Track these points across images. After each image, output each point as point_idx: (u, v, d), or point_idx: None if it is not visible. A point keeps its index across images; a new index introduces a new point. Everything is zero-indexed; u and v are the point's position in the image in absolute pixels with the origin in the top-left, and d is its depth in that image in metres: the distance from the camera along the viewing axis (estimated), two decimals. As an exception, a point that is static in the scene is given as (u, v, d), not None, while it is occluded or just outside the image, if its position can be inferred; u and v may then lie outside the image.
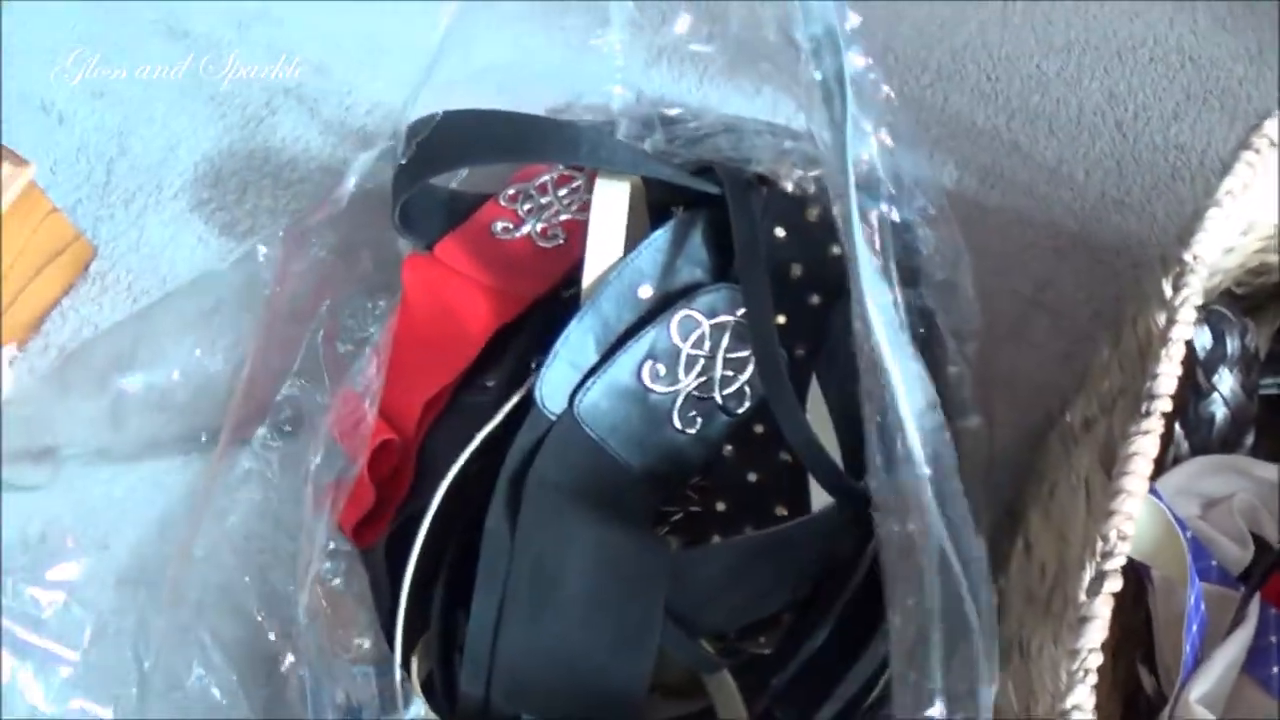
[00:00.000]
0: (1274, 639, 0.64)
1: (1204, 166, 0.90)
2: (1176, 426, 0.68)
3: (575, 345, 0.68)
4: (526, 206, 0.79)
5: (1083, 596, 0.48)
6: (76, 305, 0.91)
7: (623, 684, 0.63)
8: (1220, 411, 0.68)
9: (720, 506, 0.72)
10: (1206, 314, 0.67)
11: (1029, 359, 0.83)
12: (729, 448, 0.72)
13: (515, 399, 0.68)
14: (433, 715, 0.63)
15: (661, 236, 0.70)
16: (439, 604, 0.67)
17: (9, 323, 0.87)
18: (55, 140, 0.96)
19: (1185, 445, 0.68)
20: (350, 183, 0.80)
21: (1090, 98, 0.91)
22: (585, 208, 0.77)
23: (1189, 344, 0.65)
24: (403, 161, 0.75)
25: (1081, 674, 0.47)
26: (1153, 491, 0.62)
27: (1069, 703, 0.46)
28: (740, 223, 0.68)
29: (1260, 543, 0.66)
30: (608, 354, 0.68)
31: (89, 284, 0.92)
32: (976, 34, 0.94)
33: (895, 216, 0.64)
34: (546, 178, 0.81)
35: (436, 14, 0.76)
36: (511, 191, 0.80)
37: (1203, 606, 0.63)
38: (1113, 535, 0.49)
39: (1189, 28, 0.93)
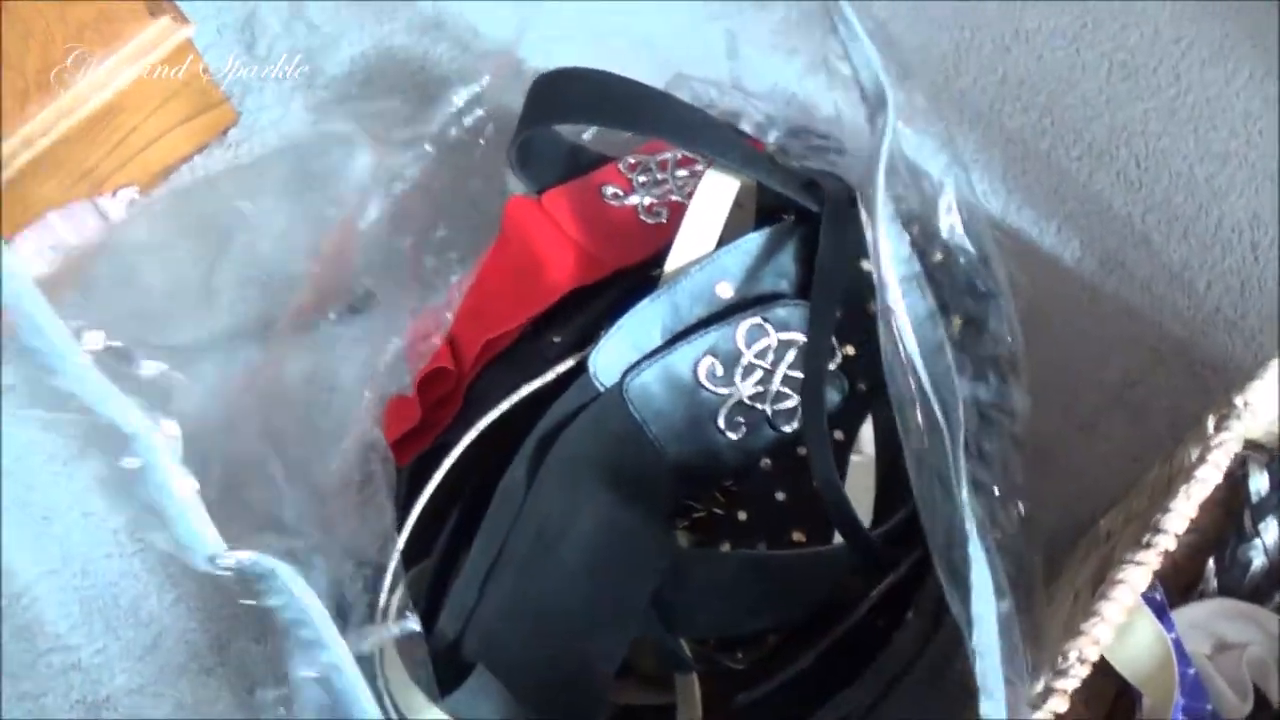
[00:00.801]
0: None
1: (1322, 306, 0.88)
2: (1210, 563, 0.67)
3: (641, 324, 0.69)
4: (642, 178, 0.80)
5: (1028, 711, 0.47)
6: (208, 165, 0.94)
7: (595, 659, 0.64)
8: (1259, 559, 0.66)
9: (741, 516, 0.73)
10: (1270, 459, 0.66)
11: (1098, 454, 0.82)
12: (767, 461, 0.72)
13: (571, 362, 0.69)
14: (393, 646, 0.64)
15: (755, 240, 0.70)
16: (445, 538, 0.69)
17: (139, 167, 0.90)
18: (228, 7, 0.99)
19: (1214, 583, 0.67)
20: (455, 101, 0.81)
21: (1233, 213, 0.89)
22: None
23: (1244, 485, 0.64)
24: (524, 104, 0.76)
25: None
26: (1166, 619, 0.62)
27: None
28: (828, 245, 0.68)
29: (1261, 699, 0.65)
30: (670, 341, 0.69)
31: (224, 149, 0.96)
32: (1139, 120, 0.92)
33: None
34: (669, 155, 0.81)
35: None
36: (633, 160, 0.81)
37: (1181, 747, 0.62)
38: (1073, 655, 0.48)
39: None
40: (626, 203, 0.79)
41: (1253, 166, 0.90)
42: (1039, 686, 0.48)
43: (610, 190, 0.80)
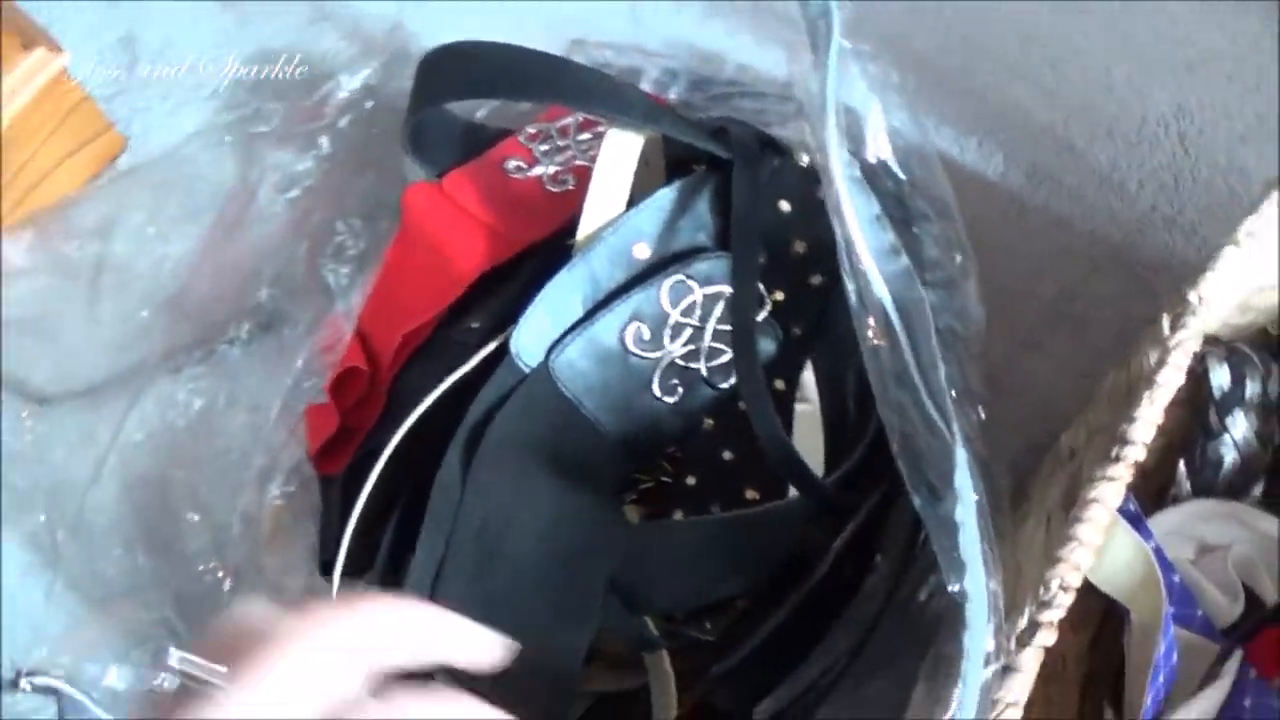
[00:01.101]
0: (1248, 703, 0.60)
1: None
2: (1181, 465, 0.64)
3: (559, 297, 0.65)
4: (544, 147, 0.77)
5: (1012, 645, 0.44)
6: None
7: (559, 654, 0.61)
8: (1230, 455, 0.64)
9: (690, 481, 0.69)
10: (1229, 352, 0.63)
11: (1044, 371, 0.79)
12: (709, 421, 0.69)
13: (493, 346, 0.66)
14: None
15: (666, 195, 0.67)
16: (386, 546, 0.65)
17: (36, 204, 0.86)
18: (104, 28, 0.95)
19: (1187, 485, 0.64)
20: (341, 93, 0.77)
21: (1156, 108, 0.86)
22: (601, 157, 0.75)
23: (1206, 381, 0.62)
24: (413, 86, 0.72)
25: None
26: (1142, 528, 0.59)
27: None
28: (742, 189, 0.65)
29: (1252, 598, 0.62)
30: (592, 311, 0.65)
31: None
32: (1049, 25, 0.89)
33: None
34: (570, 120, 0.78)
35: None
36: (532, 130, 0.78)
37: (1174, 656, 0.59)
38: (1054, 584, 0.45)
39: (1273, 50, 0.88)
40: (530, 174, 0.76)
41: (1171, 58, 0.87)
42: (1022, 622, 0.45)
43: (513, 164, 0.76)
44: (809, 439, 0.70)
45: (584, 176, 0.74)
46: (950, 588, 0.47)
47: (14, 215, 0.85)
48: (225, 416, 0.78)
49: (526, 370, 0.64)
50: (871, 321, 0.52)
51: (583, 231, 0.67)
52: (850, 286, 0.54)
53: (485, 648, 0.47)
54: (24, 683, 0.60)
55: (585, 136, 0.77)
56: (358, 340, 0.71)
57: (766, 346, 0.68)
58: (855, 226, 0.52)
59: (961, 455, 0.49)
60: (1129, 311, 0.81)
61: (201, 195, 0.85)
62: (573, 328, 0.65)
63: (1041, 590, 0.45)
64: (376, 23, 0.93)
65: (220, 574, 0.68)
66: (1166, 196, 0.84)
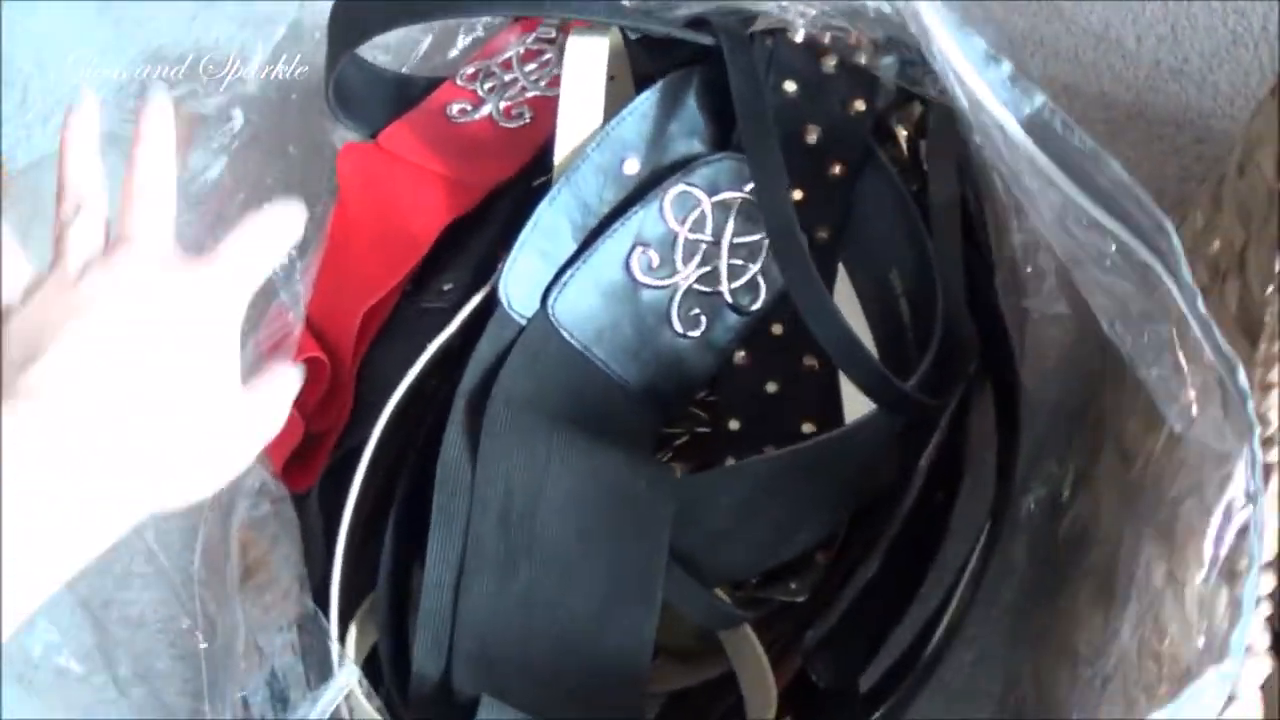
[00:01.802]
0: None
1: (1267, 31, 0.78)
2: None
3: (547, 232, 0.55)
4: (488, 85, 0.66)
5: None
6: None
7: (620, 649, 0.50)
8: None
9: (733, 425, 0.59)
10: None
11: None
12: (741, 353, 0.59)
13: (477, 299, 0.55)
14: (359, 688, 0.50)
15: (647, 100, 0.57)
16: (388, 558, 0.54)
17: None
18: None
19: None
20: (254, 63, 0.67)
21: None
22: (556, 83, 0.64)
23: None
24: (328, 35, 0.62)
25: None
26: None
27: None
28: (740, 77, 0.55)
29: None
30: (587, 242, 0.55)
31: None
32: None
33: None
34: (512, 53, 0.67)
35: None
36: (471, 70, 0.67)
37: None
38: (1274, 414, 0.36)
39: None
40: (478, 115, 0.65)
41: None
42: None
43: (456, 108, 0.66)
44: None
45: (541, 107, 0.64)
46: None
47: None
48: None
49: (522, 321, 0.54)
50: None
51: (560, 154, 0.57)
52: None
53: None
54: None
55: (532, 66, 0.67)
56: (309, 332, 0.60)
57: (791, 257, 0.58)
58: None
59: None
60: (1156, 172, 0.73)
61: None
62: (568, 264, 0.55)
63: (1259, 426, 0.35)
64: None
65: (191, 629, 0.56)
66: (1168, 48, 0.77)
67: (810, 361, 0.58)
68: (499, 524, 0.51)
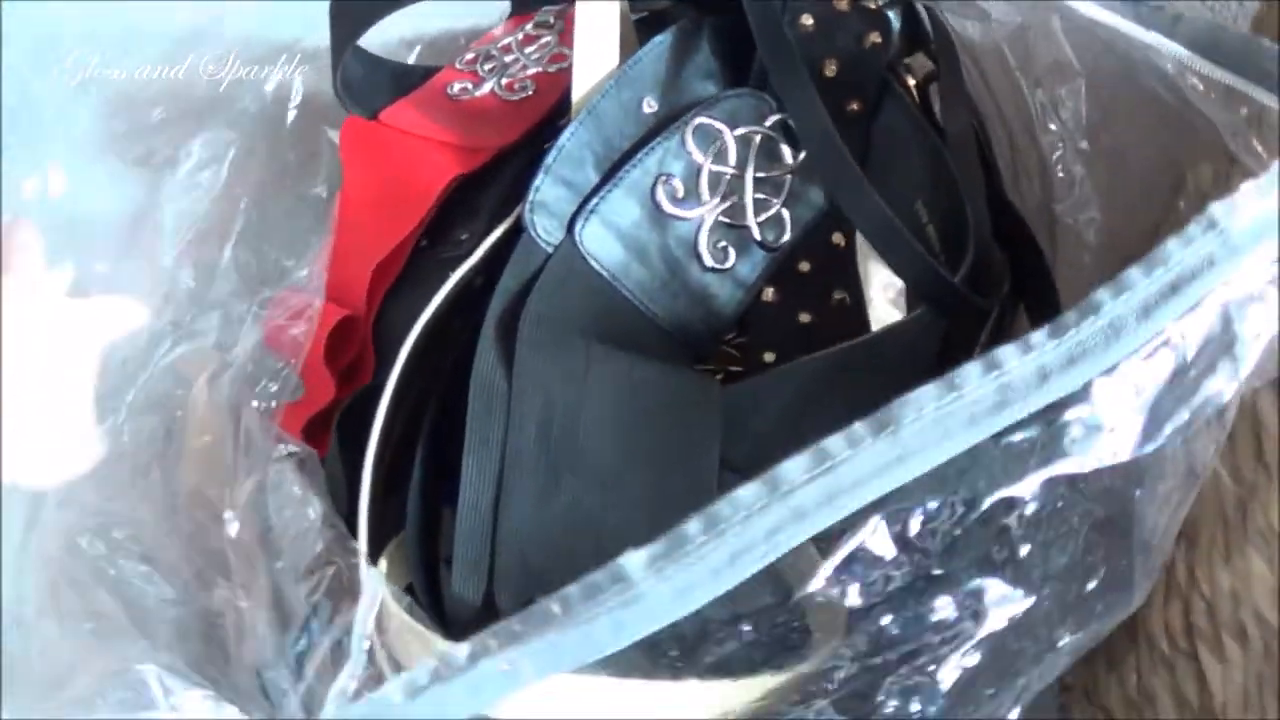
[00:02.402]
0: None
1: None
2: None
3: (570, 160, 0.54)
4: (488, 66, 0.66)
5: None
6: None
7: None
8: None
9: (768, 357, 0.57)
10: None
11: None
12: (770, 290, 0.57)
13: (499, 230, 0.54)
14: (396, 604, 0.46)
15: (662, 42, 0.57)
16: (416, 495, 0.51)
17: None
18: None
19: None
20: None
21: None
22: (557, 59, 0.65)
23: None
24: (331, 24, 0.61)
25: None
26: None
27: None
28: (757, 9, 0.55)
29: None
30: (610, 173, 0.54)
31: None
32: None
33: None
34: (510, 39, 0.67)
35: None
36: (470, 55, 0.67)
37: None
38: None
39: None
40: (479, 93, 0.65)
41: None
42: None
43: (457, 87, 0.65)
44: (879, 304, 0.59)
45: (544, 81, 0.64)
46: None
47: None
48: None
49: (549, 249, 0.52)
50: None
51: (577, 94, 0.56)
52: None
53: None
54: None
55: (531, 49, 0.66)
56: (331, 304, 0.58)
57: (813, 196, 0.57)
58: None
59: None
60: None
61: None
62: (592, 193, 0.53)
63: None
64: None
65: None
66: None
67: (840, 295, 0.57)
68: (539, 437, 0.48)
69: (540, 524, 0.47)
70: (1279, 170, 0.35)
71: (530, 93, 0.64)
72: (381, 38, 0.68)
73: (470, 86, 0.65)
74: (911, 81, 0.61)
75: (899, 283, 0.60)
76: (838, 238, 0.58)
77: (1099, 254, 0.56)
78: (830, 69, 0.57)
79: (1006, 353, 0.34)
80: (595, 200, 0.53)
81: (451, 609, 0.47)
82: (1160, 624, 0.53)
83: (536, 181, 0.53)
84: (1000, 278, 0.54)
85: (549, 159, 0.53)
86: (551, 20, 0.68)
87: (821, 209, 0.57)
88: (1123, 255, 0.58)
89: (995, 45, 0.57)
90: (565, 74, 0.61)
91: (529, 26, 0.68)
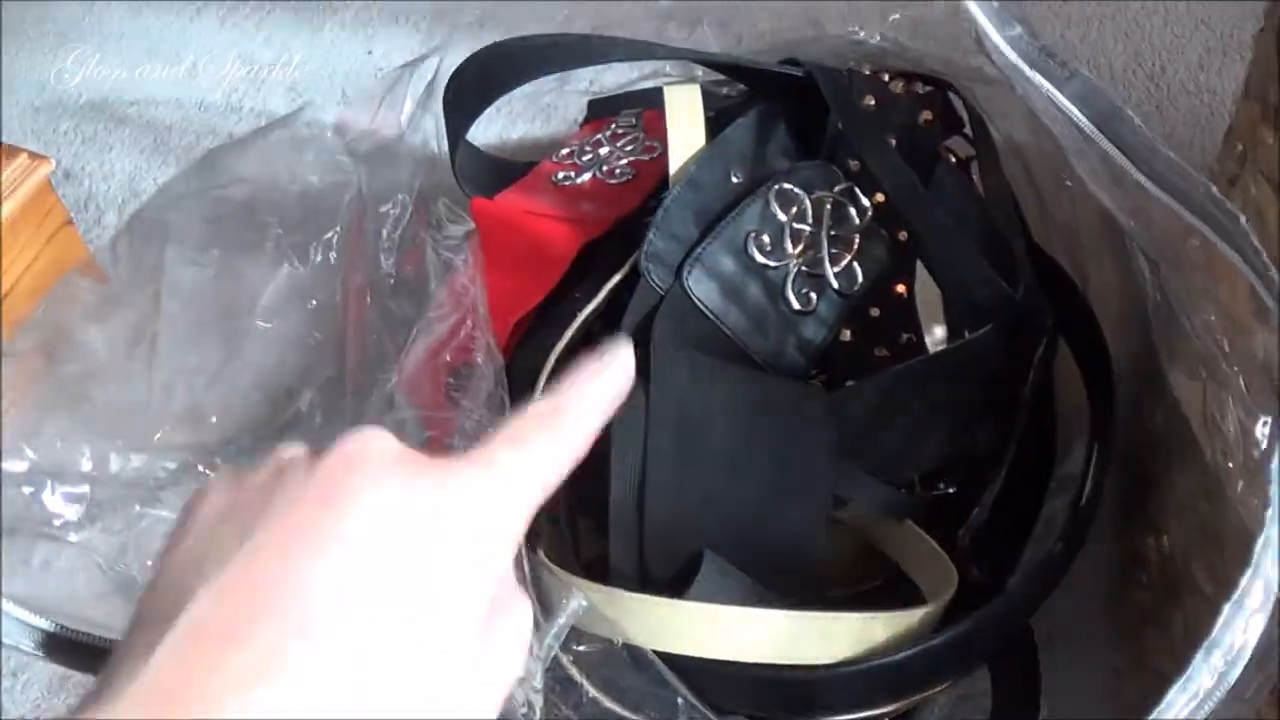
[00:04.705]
0: None
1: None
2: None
3: (674, 220, 0.63)
4: (586, 158, 0.76)
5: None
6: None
7: (792, 536, 0.56)
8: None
9: (849, 383, 0.66)
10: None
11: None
12: (848, 332, 0.66)
13: (617, 277, 0.63)
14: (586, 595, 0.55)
15: (746, 124, 0.67)
16: (564, 507, 0.60)
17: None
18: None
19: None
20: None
21: (1118, 58, 0.92)
22: (649, 150, 0.75)
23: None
24: (444, 110, 0.72)
25: None
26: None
27: None
28: (832, 89, 0.66)
29: None
30: (708, 230, 0.64)
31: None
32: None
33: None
34: (601, 135, 0.77)
35: None
36: (565, 150, 0.77)
37: None
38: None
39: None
40: (581, 180, 0.75)
41: (1114, 19, 0.94)
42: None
43: (560, 175, 0.75)
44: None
45: (642, 168, 0.73)
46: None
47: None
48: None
49: (661, 290, 0.62)
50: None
51: (674, 166, 0.66)
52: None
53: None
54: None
55: (623, 141, 0.76)
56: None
57: (877, 252, 0.67)
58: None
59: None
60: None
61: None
62: (695, 245, 0.63)
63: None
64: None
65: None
66: (1154, 125, 0.89)
67: (907, 335, 0.66)
68: (675, 434, 0.57)
69: (680, 501, 0.57)
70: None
71: (630, 177, 0.74)
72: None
73: (573, 175, 0.75)
74: (953, 159, 0.71)
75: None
76: (900, 288, 0.67)
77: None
78: (891, 141, 0.68)
79: None
80: (698, 250, 0.63)
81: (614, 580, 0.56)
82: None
83: (650, 235, 0.62)
84: (1045, 310, 0.63)
85: (657, 218, 0.63)
86: (634, 120, 0.78)
87: (884, 263, 0.67)
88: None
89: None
90: (657, 161, 0.71)
91: (615, 126, 0.78)
